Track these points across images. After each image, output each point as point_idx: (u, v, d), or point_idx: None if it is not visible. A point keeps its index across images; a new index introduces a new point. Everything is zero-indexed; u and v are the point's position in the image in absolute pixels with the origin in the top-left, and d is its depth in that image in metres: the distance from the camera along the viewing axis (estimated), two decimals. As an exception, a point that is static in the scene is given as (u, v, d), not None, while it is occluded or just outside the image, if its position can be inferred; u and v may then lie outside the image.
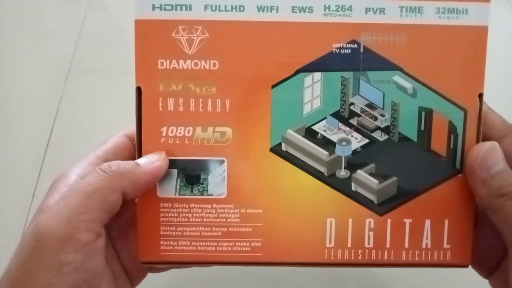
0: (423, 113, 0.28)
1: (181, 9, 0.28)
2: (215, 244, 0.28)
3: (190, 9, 0.28)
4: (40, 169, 0.45)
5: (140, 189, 0.26)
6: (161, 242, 0.28)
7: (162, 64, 0.28)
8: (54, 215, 0.24)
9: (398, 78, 0.28)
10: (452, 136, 0.28)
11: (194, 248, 0.28)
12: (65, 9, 0.53)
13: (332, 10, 0.28)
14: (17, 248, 0.25)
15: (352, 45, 0.28)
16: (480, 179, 0.26)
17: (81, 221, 0.24)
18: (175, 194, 0.28)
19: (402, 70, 0.28)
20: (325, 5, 0.28)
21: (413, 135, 0.28)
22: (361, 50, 0.28)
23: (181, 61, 0.28)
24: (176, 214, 0.28)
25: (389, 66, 0.28)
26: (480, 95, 0.28)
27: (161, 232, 0.28)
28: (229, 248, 0.28)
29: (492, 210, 0.26)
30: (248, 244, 0.28)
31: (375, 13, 0.28)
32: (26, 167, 0.46)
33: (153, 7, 0.28)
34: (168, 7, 0.28)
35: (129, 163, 0.26)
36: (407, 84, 0.28)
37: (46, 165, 0.46)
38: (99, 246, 0.25)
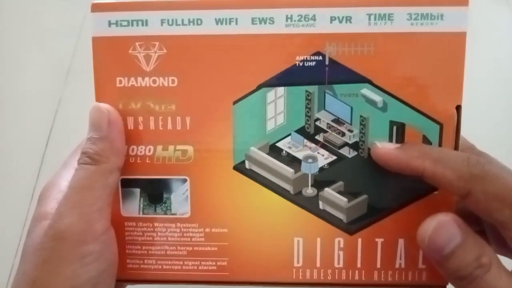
0: (395, 128, 0.26)
1: (137, 25, 0.27)
2: (181, 263, 0.28)
3: (147, 25, 0.27)
4: (39, 169, 0.46)
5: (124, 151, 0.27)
6: (127, 261, 0.28)
7: (120, 82, 0.27)
8: (66, 214, 0.25)
9: (366, 91, 0.26)
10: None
11: (160, 266, 0.28)
12: (65, 10, 0.53)
13: (295, 20, 0.26)
14: (25, 257, 0.25)
15: (316, 57, 0.26)
16: (435, 261, 0.24)
17: (93, 212, 0.25)
18: (139, 213, 0.28)
19: (371, 82, 0.26)
20: (286, 15, 0.26)
21: (384, 151, 0.27)
22: (327, 62, 0.26)
23: (139, 79, 0.27)
24: (141, 233, 0.28)
25: (357, 78, 0.26)
26: (458, 107, 0.26)
27: (127, 251, 0.28)
28: (195, 267, 0.28)
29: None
30: (213, 263, 0.28)
31: (340, 22, 0.26)
32: (25, 167, 0.47)
33: (109, 24, 0.27)
34: (124, 23, 0.27)
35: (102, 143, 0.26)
36: (377, 97, 0.26)
37: (45, 165, 0.47)
38: (113, 234, 0.26)
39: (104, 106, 0.26)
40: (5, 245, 0.39)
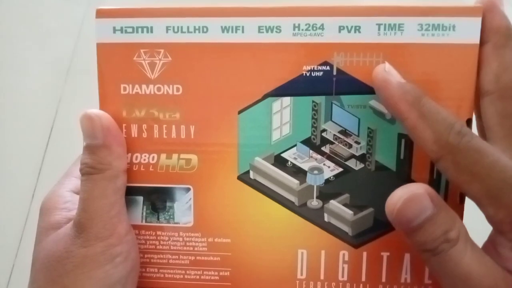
0: (403, 141, 0.26)
1: (142, 32, 0.26)
2: (183, 272, 0.28)
3: (152, 31, 0.26)
4: (39, 170, 0.46)
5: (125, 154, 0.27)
6: (129, 269, 0.28)
7: (124, 89, 0.27)
8: (89, 225, 0.25)
9: (375, 102, 0.26)
10: (435, 165, 0.26)
11: (162, 275, 0.28)
12: (65, 9, 0.53)
13: (302, 29, 0.25)
14: (43, 267, 0.25)
15: (324, 67, 0.26)
16: (402, 231, 0.23)
17: (113, 217, 0.25)
18: (141, 221, 0.28)
19: (379, 94, 0.25)
20: (294, 24, 0.25)
21: (391, 164, 0.26)
22: (334, 73, 0.26)
23: (144, 86, 0.27)
24: (144, 241, 0.28)
25: (365, 89, 0.25)
26: (469, 121, 0.25)
27: (129, 259, 0.28)
28: (197, 277, 0.28)
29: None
30: (216, 273, 0.28)
31: (349, 31, 0.25)
32: (25, 168, 0.46)
33: (114, 30, 0.26)
34: (129, 30, 0.26)
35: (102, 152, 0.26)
36: (385, 109, 0.26)
37: (45, 166, 0.46)
38: (134, 234, 0.27)
39: (94, 112, 0.26)
40: (6, 245, 0.39)
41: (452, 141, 0.22)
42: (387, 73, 0.24)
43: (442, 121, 0.22)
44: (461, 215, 0.25)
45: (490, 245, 0.24)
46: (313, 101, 0.26)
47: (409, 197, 0.22)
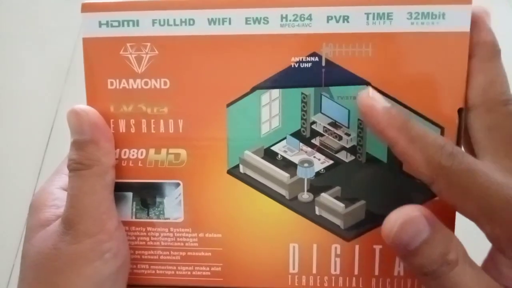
0: (394, 132, 0.25)
1: (128, 25, 0.26)
2: (174, 268, 0.28)
3: (138, 25, 0.26)
4: (39, 170, 0.46)
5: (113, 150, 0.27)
6: (120, 265, 0.28)
7: (111, 84, 0.26)
8: (78, 221, 0.25)
9: (365, 93, 0.25)
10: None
11: (153, 271, 0.28)
12: (65, 9, 0.53)
13: (290, 20, 0.25)
14: (32, 265, 0.25)
15: (312, 58, 0.25)
16: (400, 255, 0.22)
17: (102, 214, 0.25)
18: (131, 218, 0.27)
19: (369, 85, 0.25)
20: (281, 15, 0.25)
21: (382, 155, 0.26)
22: (323, 64, 0.25)
23: (131, 81, 0.26)
24: (134, 238, 0.28)
25: (355, 80, 0.25)
26: (460, 110, 0.25)
27: (120, 256, 0.28)
28: (189, 272, 0.27)
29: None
30: (207, 268, 0.27)
31: (337, 21, 0.25)
32: (25, 168, 0.46)
33: (100, 24, 0.26)
34: (115, 24, 0.26)
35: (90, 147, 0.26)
36: (375, 100, 0.25)
37: (45, 166, 0.46)
38: (123, 230, 0.27)
39: (81, 108, 0.26)
40: (6, 245, 0.39)
41: (444, 163, 0.22)
42: (371, 98, 0.23)
43: (432, 143, 0.22)
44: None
45: (490, 263, 0.23)
46: (302, 93, 0.26)
47: (404, 221, 0.22)
